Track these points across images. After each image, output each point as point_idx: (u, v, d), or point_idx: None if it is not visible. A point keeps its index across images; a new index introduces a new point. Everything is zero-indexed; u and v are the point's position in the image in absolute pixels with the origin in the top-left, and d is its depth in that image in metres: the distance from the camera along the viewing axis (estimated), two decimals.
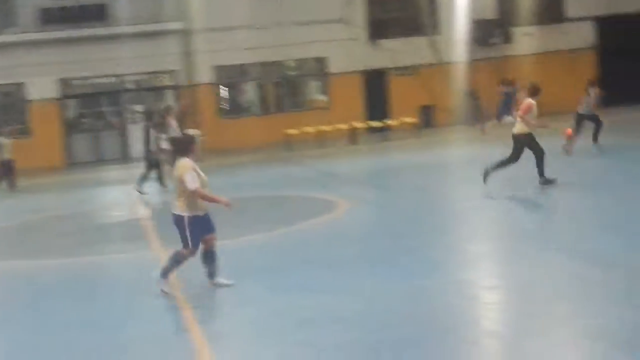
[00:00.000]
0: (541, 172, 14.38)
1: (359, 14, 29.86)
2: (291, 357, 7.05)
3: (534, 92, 14.77)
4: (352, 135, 27.20)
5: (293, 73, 31.66)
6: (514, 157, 14.52)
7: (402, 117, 28.02)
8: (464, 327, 7.40)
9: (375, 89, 29.99)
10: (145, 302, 9.15)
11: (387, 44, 29.85)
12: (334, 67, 29.98)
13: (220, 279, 9.30)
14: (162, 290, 9.15)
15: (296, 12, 29.15)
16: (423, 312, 7.92)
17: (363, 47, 29.87)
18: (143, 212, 16.71)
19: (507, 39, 29.44)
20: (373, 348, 7.02)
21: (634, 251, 9.46)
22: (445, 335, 7.17)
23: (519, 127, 14.49)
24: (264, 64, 30.13)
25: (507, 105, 23.17)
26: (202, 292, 9.29)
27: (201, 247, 9.22)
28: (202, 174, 9.10)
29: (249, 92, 31.52)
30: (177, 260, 9.19)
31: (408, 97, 29.55)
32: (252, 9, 29.00)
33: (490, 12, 29.67)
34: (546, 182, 14.33)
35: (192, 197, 8.93)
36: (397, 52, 29.72)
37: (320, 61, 30.39)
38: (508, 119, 21.82)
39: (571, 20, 30.30)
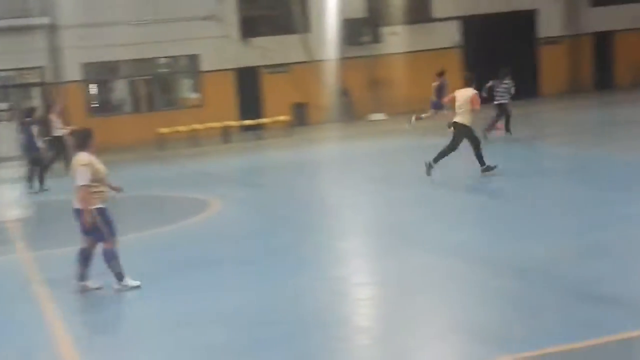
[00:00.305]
0: (482, 161, 14.81)
1: (231, 12, 29.79)
2: (164, 359, 7.04)
3: (472, 82, 15.38)
4: (225, 134, 27.13)
5: (165, 71, 31.28)
6: (454, 146, 14.93)
7: (275, 115, 28.16)
8: (336, 324, 7.55)
9: (248, 87, 30.01)
10: (10, 308, 8.92)
11: (259, 41, 29.90)
12: (206, 64, 29.80)
13: (89, 283, 9.16)
14: (126, 286, 9.02)
15: (168, 8, 28.80)
16: (295, 309, 8.03)
17: (235, 45, 29.82)
18: (11, 213, 16.19)
19: (377, 38, 30.02)
20: (247, 347, 7.09)
21: (499, 245, 9.88)
22: (317, 333, 7.31)
23: (461, 118, 14.84)
24: (135, 61, 29.62)
25: (441, 96, 23.30)
26: (73, 296, 9.10)
27: (83, 245, 9.09)
28: (100, 166, 9.07)
29: (120, 90, 30.93)
30: (110, 258, 9.01)
31: (281, 95, 29.71)
32: (123, 5, 28.48)
33: (359, 11, 30.17)
34: (487, 169, 14.76)
35: (84, 191, 8.83)
36: (269, 50, 29.83)
37: (193, 59, 30.14)
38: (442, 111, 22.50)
39: (438, 20, 31.18)
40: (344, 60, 29.94)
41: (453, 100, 15.35)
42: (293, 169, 19.55)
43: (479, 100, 14.92)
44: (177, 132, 26.57)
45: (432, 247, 10.16)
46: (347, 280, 9.18)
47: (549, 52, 32.48)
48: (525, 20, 32.14)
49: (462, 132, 14.87)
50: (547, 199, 12.91)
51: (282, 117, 27.81)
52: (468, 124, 14.86)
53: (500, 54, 31.08)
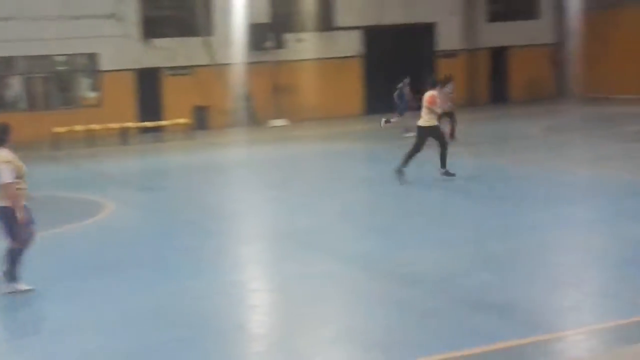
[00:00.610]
0: (444, 164, 15.04)
1: (132, 11, 29.34)
2: None
3: (435, 84, 15.58)
4: (124, 135, 26.70)
5: (63, 68, 30.54)
6: (418, 147, 15.08)
7: (176, 118, 27.88)
8: (231, 330, 7.56)
9: (149, 88, 29.60)
10: None
11: (161, 42, 29.55)
12: (105, 64, 29.24)
13: (20, 284, 8.87)
14: (20, 290, 8.72)
15: (67, 5, 28.16)
16: (192, 314, 8.00)
17: (136, 45, 29.38)
18: None
19: (281, 44, 30.11)
20: (140, 351, 7.01)
21: (395, 254, 10.06)
22: (213, 338, 7.30)
23: (425, 119, 14.98)
24: (31, 58, 28.83)
25: (402, 99, 23.96)
26: None
27: (10, 242, 8.80)
28: (20, 163, 8.83)
29: (15, 87, 30.02)
30: (13, 257, 8.70)
31: (182, 97, 29.41)
32: (19, 0, 27.69)
33: (264, 16, 30.20)
34: (447, 173, 15.02)
35: (12, 188, 8.61)
36: (171, 51, 29.51)
37: (92, 57, 29.52)
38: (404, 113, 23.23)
39: (341, 29, 31.51)
40: (248, 65, 29.90)
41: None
42: (192, 173, 19.41)
43: (434, 100, 15.01)
44: (74, 131, 26.00)
45: (331, 254, 10.27)
46: (245, 286, 9.19)
47: (447, 64, 33.17)
48: (425, 32, 32.82)
49: (425, 133, 15.04)
50: (445, 209, 13.21)
51: (182, 120, 27.56)
52: (432, 125, 15.04)
53: (400, 65, 31.69)
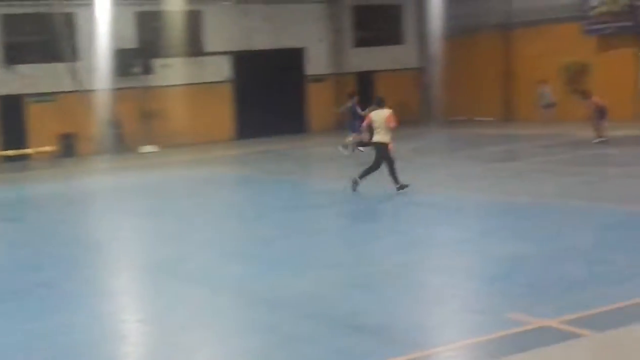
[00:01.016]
0: (396, 180, 15.78)
1: None
2: None
3: (381, 103, 16.36)
4: None
5: None
6: (377, 164, 15.91)
7: (41, 146, 27.01)
8: None
9: (12, 115, 28.54)
10: None
11: (24, 69, 28.62)
12: None
13: None
14: None
15: None
16: (61, 348, 7.73)
17: None
18: None
19: (148, 69, 29.68)
20: None
21: (263, 278, 10.04)
22: None
23: (382, 137, 15.79)
24: None
25: (355, 117, 24.09)
26: None
27: None
28: None
29: None
30: None
31: (47, 124, 28.51)
32: None
33: (131, 42, 29.72)
34: (402, 187, 15.77)
35: None
36: (34, 77, 28.59)
37: None
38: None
39: (209, 54, 31.38)
40: (115, 91, 29.33)
41: (370, 122, 16.17)
42: (58, 202, 18.80)
43: (394, 119, 15.87)
44: None
45: (200, 281, 10.15)
46: (115, 317, 8.95)
47: (316, 89, 33.65)
48: (294, 57, 33.14)
49: (382, 150, 15.79)
50: (314, 233, 13.30)
51: (48, 148, 26.72)
52: (387, 142, 15.76)
53: (270, 90, 31.89)
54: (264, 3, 32.33)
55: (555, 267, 9.65)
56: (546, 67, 30.36)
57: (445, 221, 13.34)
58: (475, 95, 33.06)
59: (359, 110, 24.12)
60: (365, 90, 34.65)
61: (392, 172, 15.91)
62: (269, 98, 31.80)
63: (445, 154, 24.17)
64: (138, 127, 29.54)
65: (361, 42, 34.71)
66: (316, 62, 33.67)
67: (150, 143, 29.45)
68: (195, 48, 30.99)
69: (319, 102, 33.59)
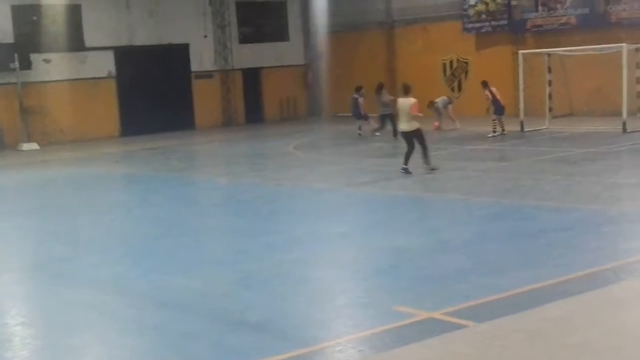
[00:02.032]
0: (428, 161, 16.73)
1: None
2: None
3: (408, 91, 16.76)
4: None
5: None
6: (413, 147, 16.73)
7: None
8: None
9: None
10: None
11: None
12: None
13: None
14: None
15: None
16: None
17: None
18: None
19: (27, 64, 28.73)
20: None
21: (148, 276, 9.91)
22: None
23: (406, 125, 16.64)
24: None
25: (357, 107, 25.90)
26: None
27: None
28: None
29: None
30: None
31: None
32: None
33: (7, 36, 28.72)
34: (433, 169, 16.74)
35: None
36: None
37: None
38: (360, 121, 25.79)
39: (91, 49, 30.65)
40: None
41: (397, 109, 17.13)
42: None
43: (418, 107, 16.65)
44: None
45: (83, 281, 9.95)
46: None
47: (202, 86, 33.38)
48: (179, 53, 32.76)
49: (412, 135, 16.57)
50: (199, 230, 13.23)
51: None
52: (415, 128, 16.54)
53: (156, 86, 31.44)
54: None
55: (438, 260, 9.91)
56: (427, 63, 31.10)
57: (329, 216, 13.48)
58: None
59: (360, 101, 26.04)
60: (252, 87, 34.70)
61: (425, 155, 16.74)
62: (154, 94, 31.36)
63: (330, 149, 24.42)
64: (17, 124, 28.60)
65: (246, 39, 34.67)
66: (201, 59, 33.42)
67: (30, 140, 28.58)
68: (75, 43, 30.22)
69: (206, 99, 33.36)
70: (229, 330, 7.73)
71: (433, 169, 16.80)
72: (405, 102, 16.70)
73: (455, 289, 8.56)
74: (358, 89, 26.39)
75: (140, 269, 10.47)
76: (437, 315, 7.65)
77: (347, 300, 8.63)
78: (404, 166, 16.79)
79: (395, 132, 22.53)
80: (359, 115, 26.11)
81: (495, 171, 17.63)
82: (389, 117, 23.84)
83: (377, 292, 8.80)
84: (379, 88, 24.89)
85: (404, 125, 16.90)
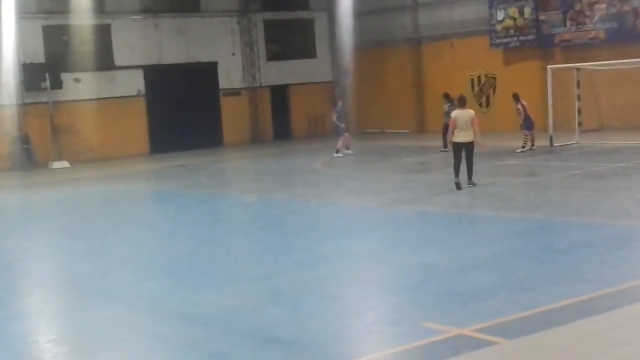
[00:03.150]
0: (471, 175, 16.78)
1: None
2: None
3: (464, 103, 17.00)
4: None
5: None
6: (461, 160, 16.65)
7: None
8: None
9: None
10: None
11: None
12: None
13: None
14: None
15: None
16: None
17: None
18: None
19: (57, 84, 29.08)
20: None
21: (179, 293, 9.95)
22: None
23: (465, 136, 16.50)
24: None
25: (341, 120, 25.99)
26: None
27: None
28: None
29: None
30: None
31: None
32: None
33: (39, 56, 29.11)
34: (474, 184, 16.71)
35: None
36: None
37: None
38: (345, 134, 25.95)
39: (120, 68, 30.97)
40: (23, 106, 28.69)
41: (454, 123, 16.58)
42: None
43: (477, 120, 16.71)
44: None
45: (115, 299, 10.00)
46: (26, 338, 8.73)
47: (230, 103, 33.56)
48: (207, 71, 32.99)
49: (469, 146, 16.54)
50: (229, 247, 13.26)
51: None
52: (472, 139, 16.56)
53: (184, 104, 31.67)
54: (173, 17, 32.13)
55: (468, 276, 9.85)
56: (454, 79, 31.04)
57: (358, 232, 13.45)
58: (387, 107, 33.52)
59: (335, 116, 26.06)
60: (280, 104, 34.83)
61: (471, 170, 16.71)
62: (183, 112, 31.59)
63: (358, 165, 24.41)
64: (48, 142, 28.93)
65: (274, 56, 34.83)
66: (229, 76, 33.62)
67: (61, 159, 28.88)
68: (105, 62, 30.58)
69: (234, 116, 33.52)
70: (259, 347, 7.73)
71: (474, 184, 16.71)
72: (466, 114, 16.64)
73: (485, 305, 8.51)
74: (334, 104, 26.49)
75: (170, 286, 10.52)
76: (467, 331, 7.60)
77: (376, 316, 8.60)
78: (457, 180, 16.60)
79: (445, 143, 22.36)
80: (338, 131, 26.07)
81: (525, 186, 17.52)
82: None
83: (406, 308, 8.76)
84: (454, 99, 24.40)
85: (462, 136, 16.60)
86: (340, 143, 25.72)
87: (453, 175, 16.62)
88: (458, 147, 16.73)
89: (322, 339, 7.87)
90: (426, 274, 10.07)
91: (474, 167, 16.89)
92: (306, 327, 8.26)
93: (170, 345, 8.06)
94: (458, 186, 16.54)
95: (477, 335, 7.48)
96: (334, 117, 26.15)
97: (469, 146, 16.67)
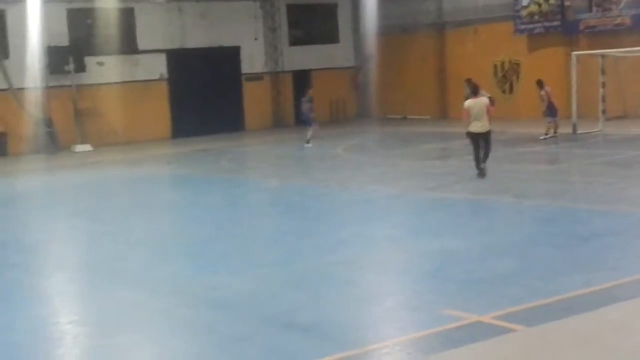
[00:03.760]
0: (483, 162, 16.39)
1: None
2: None
3: (477, 91, 16.88)
4: None
5: None
6: (479, 148, 16.44)
7: None
8: None
9: None
10: None
11: None
12: None
13: None
14: None
15: None
16: None
17: None
18: None
19: (81, 67, 29.19)
20: None
21: (200, 277, 10.00)
22: None
23: (483, 125, 16.20)
24: None
25: (310, 110, 25.89)
26: None
27: None
28: None
29: None
30: None
31: None
32: None
33: (63, 39, 29.23)
34: (482, 174, 16.34)
35: None
36: None
37: None
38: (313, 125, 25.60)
39: (144, 52, 31.04)
40: (47, 89, 28.83)
41: (468, 113, 16.32)
42: None
43: (492, 108, 16.56)
44: None
45: (136, 281, 10.07)
46: (48, 320, 8.83)
47: (252, 88, 33.56)
48: (230, 56, 32.97)
49: (487, 135, 16.27)
50: (250, 231, 13.30)
51: None
52: (489, 129, 16.28)
53: (207, 88, 31.70)
54: (196, 1, 32.13)
55: (488, 263, 9.83)
56: (478, 65, 30.82)
57: (378, 218, 13.45)
58: (410, 93, 33.35)
59: (308, 106, 25.83)
60: (302, 89, 34.76)
61: (487, 156, 16.43)
62: (205, 96, 31.63)
63: (379, 151, 24.36)
64: (71, 125, 29.08)
65: (297, 41, 34.76)
66: (252, 61, 33.60)
67: (84, 142, 29.01)
68: (128, 46, 30.63)
69: (256, 101, 33.51)
70: (279, 331, 7.76)
71: (484, 175, 16.42)
72: (480, 102, 16.34)
73: (505, 292, 8.49)
74: (306, 94, 26.36)
75: (191, 269, 10.58)
76: (486, 319, 7.59)
77: (395, 302, 8.61)
78: (481, 166, 16.40)
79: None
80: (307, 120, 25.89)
81: (547, 174, 17.42)
82: None
83: (425, 295, 8.76)
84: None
85: (480, 126, 16.28)
86: (310, 133, 25.29)
87: (474, 163, 16.49)
88: (475, 137, 16.49)
89: (341, 324, 7.88)
90: (446, 261, 10.06)
91: (490, 154, 16.67)
92: (325, 312, 8.28)
93: (191, 328, 8.12)
94: (481, 173, 16.38)
95: (496, 322, 7.47)
96: (305, 107, 25.84)
97: (485, 136, 16.39)
